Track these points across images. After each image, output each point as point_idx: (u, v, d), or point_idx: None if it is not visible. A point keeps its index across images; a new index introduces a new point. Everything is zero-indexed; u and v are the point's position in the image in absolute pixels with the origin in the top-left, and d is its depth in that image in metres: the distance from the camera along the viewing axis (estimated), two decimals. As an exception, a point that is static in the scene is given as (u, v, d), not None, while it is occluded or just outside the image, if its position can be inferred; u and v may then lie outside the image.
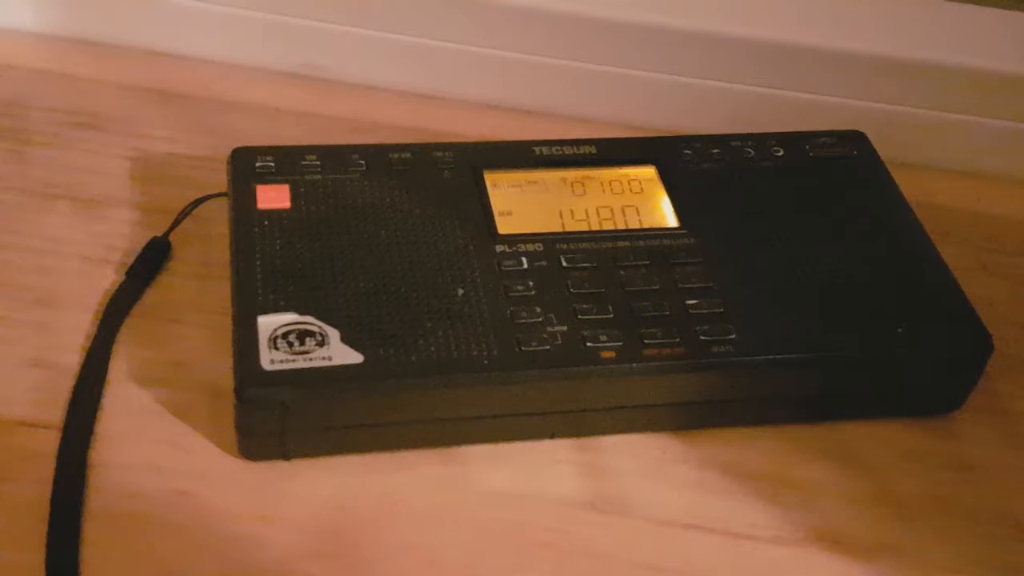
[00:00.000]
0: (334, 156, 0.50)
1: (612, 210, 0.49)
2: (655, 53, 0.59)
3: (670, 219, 0.50)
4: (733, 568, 0.42)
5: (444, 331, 0.44)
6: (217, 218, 0.50)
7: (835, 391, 0.47)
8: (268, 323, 0.43)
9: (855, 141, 0.55)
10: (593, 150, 0.52)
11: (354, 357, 0.42)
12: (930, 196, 0.56)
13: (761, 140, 0.54)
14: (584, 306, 0.45)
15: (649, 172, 0.52)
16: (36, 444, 0.43)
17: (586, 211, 0.49)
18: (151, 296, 0.49)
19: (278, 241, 0.46)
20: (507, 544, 0.42)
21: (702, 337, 0.44)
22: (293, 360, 0.42)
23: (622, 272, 0.47)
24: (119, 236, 0.51)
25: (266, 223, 0.47)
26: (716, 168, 0.52)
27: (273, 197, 0.48)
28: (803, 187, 0.52)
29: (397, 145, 0.51)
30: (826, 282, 0.48)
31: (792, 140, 0.54)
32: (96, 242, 0.51)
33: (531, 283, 0.46)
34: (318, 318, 0.43)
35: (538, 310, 0.45)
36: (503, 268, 0.46)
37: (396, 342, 0.43)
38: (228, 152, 0.50)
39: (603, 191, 0.50)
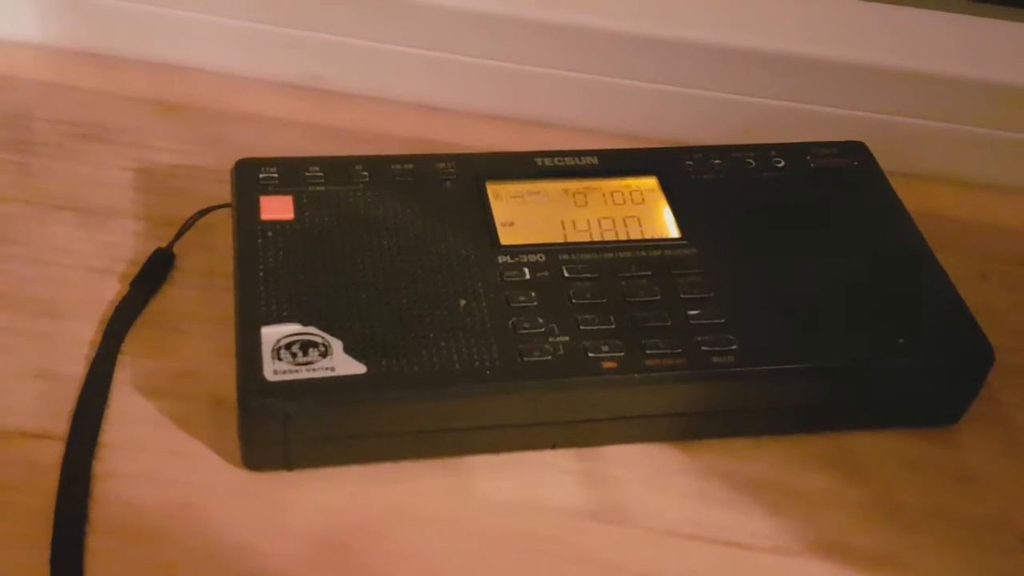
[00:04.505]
0: (337, 167, 0.50)
1: (614, 221, 0.50)
2: (656, 64, 0.59)
3: (671, 230, 0.50)
4: (735, 578, 0.43)
5: (446, 342, 0.44)
6: (221, 229, 0.50)
7: (836, 401, 0.47)
8: (271, 334, 0.43)
9: (856, 152, 0.55)
10: (595, 161, 0.52)
11: (357, 368, 0.42)
12: (931, 206, 0.56)
13: (762, 151, 0.54)
14: (586, 316, 0.45)
15: (650, 183, 0.52)
16: (40, 455, 0.43)
17: (588, 222, 0.49)
18: (155, 307, 0.49)
19: (281, 252, 0.46)
20: (509, 554, 0.42)
21: (703, 347, 0.45)
22: (296, 370, 0.42)
23: (624, 282, 0.47)
24: (123, 247, 0.51)
25: (269, 234, 0.47)
26: (717, 179, 0.52)
27: (277, 208, 0.48)
28: (804, 198, 0.52)
29: (399, 156, 0.51)
30: (827, 292, 0.48)
31: (793, 151, 0.54)
32: (100, 253, 0.51)
33: (533, 293, 0.46)
34: (321, 329, 0.44)
35: (540, 320, 0.45)
36: (505, 278, 0.46)
37: (399, 353, 0.43)
38: (232, 163, 0.50)
39: (605, 202, 0.50)
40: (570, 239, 0.49)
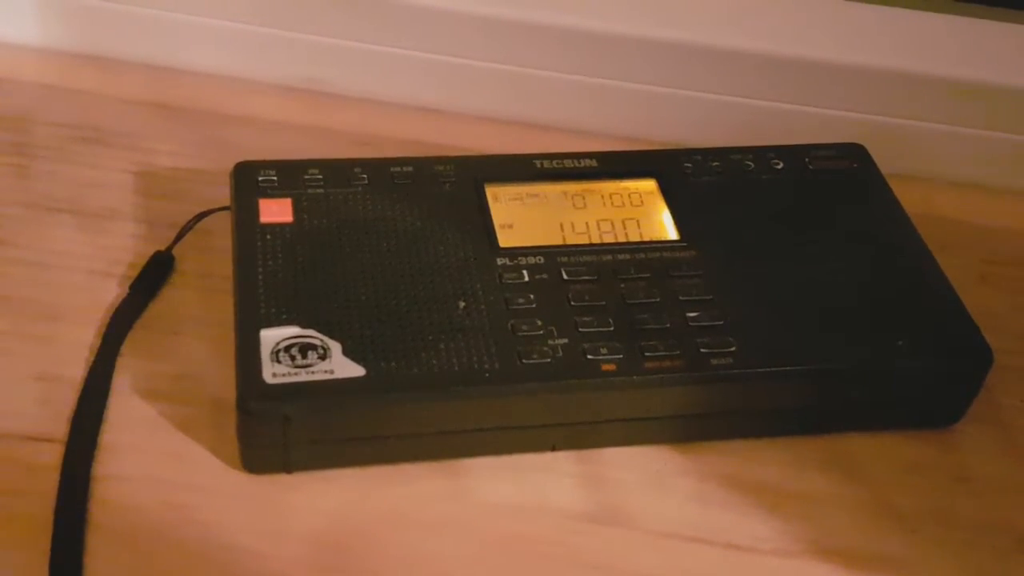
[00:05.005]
0: (336, 170, 0.50)
1: (613, 223, 0.50)
2: (655, 66, 0.59)
3: (670, 232, 0.50)
4: (734, 580, 0.43)
5: (446, 344, 0.44)
6: (220, 232, 0.50)
7: (835, 403, 0.47)
8: (270, 336, 0.43)
9: (855, 153, 0.55)
10: (594, 163, 0.52)
11: (356, 370, 0.42)
12: (930, 208, 0.57)
13: (761, 153, 0.54)
14: (585, 319, 0.45)
15: (650, 185, 0.52)
16: (40, 457, 0.43)
17: (587, 224, 0.49)
18: (154, 309, 0.49)
19: (280, 255, 0.46)
20: (509, 556, 0.42)
21: (702, 349, 0.45)
22: (295, 373, 0.42)
23: (623, 285, 0.47)
24: (123, 250, 0.51)
25: (268, 237, 0.47)
26: (716, 181, 0.52)
27: (276, 211, 0.48)
28: (803, 200, 0.52)
29: (398, 159, 0.51)
30: (826, 294, 0.48)
31: (792, 153, 0.54)
32: (100, 256, 0.51)
33: (532, 296, 0.46)
34: (320, 331, 0.44)
35: (539, 323, 0.45)
36: (504, 281, 0.46)
37: (398, 355, 0.43)
38: (231, 166, 0.50)
39: (604, 204, 0.51)
40: (569, 241, 0.49)
